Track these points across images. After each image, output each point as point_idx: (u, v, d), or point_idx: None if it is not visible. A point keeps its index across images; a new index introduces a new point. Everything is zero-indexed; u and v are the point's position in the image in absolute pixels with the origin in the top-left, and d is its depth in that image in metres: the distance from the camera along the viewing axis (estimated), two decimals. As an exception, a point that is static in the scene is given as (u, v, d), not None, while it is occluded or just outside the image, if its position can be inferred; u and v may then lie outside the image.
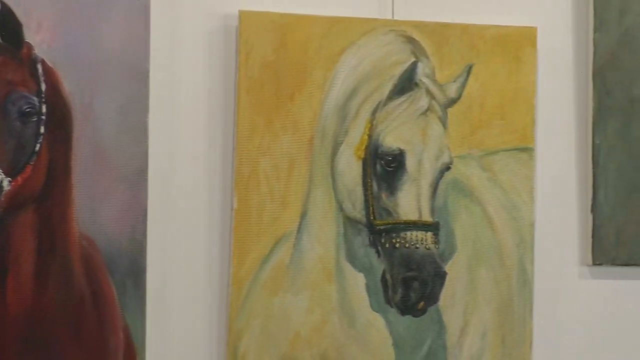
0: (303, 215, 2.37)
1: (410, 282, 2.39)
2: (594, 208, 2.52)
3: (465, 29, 2.47)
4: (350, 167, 2.40)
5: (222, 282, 2.34)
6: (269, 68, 2.36)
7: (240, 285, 2.33)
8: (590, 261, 2.52)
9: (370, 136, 2.41)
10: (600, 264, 2.52)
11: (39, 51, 2.19)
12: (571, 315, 2.54)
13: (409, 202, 2.41)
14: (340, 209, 2.40)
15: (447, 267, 2.43)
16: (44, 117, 2.17)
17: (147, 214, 2.26)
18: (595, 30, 2.53)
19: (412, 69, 2.42)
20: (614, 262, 2.52)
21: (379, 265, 2.41)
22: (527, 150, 2.49)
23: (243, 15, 2.35)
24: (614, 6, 2.53)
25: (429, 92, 2.44)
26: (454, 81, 2.46)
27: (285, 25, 2.36)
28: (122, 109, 2.25)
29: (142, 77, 2.26)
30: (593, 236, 2.51)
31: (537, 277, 2.49)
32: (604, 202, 2.51)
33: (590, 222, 2.52)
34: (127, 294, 2.24)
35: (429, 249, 2.40)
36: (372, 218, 2.40)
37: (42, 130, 2.17)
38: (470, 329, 2.45)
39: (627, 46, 2.54)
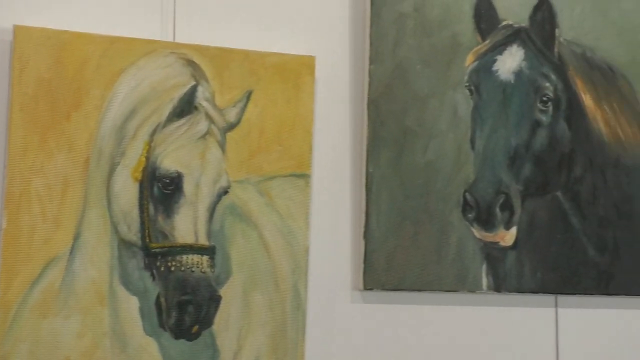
0: (76, 237, 2.21)
1: (185, 305, 2.27)
2: (366, 234, 2.45)
3: (246, 55, 2.36)
4: (126, 189, 2.25)
5: (-10, 305, 2.14)
6: (44, 85, 2.19)
7: (7, 309, 2.14)
8: (361, 286, 2.46)
9: (148, 158, 2.27)
10: (371, 289, 2.46)
11: None
12: (343, 338, 2.47)
13: (186, 225, 2.28)
14: (116, 231, 2.25)
15: (222, 291, 2.32)
16: None
17: None
18: (371, 61, 2.48)
19: (192, 92, 2.30)
20: (384, 287, 2.47)
21: (154, 289, 2.26)
22: (303, 176, 2.41)
23: (18, 30, 2.18)
24: (389, 38, 2.49)
25: (208, 116, 2.32)
26: (234, 106, 2.35)
27: (62, 43, 2.21)
28: None
29: None
30: (365, 261, 2.45)
31: (311, 302, 2.41)
32: (376, 228, 2.46)
33: (363, 247, 2.45)
34: None
35: (204, 272, 2.28)
36: (147, 241, 2.26)
37: None
38: (243, 352, 2.34)
39: (400, 78, 2.50)
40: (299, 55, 2.42)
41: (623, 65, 2.66)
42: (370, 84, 2.48)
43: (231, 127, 2.35)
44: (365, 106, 2.48)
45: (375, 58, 2.48)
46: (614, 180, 2.64)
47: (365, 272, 2.45)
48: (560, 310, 2.62)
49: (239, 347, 2.34)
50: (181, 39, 2.34)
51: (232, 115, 2.35)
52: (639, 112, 2.67)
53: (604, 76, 2.65)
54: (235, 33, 2.40)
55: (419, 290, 2.50)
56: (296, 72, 2.41)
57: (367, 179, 2.47)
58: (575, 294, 2.62)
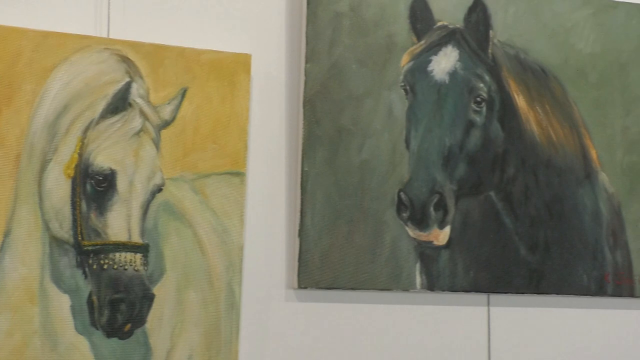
0: (6, 234, 2.15)
1: (118, 304, 2.22)
2: (301, 233, 2.42)
3: (181, 52, 2.32)
4: (58, 186, 2.20)
5: None
6: (-26, 80, 2.13)
7: None
8: (296, 284, 2.43)
9: (80, 155, 2.21)
10: (305, 287, 2.43)
11: None
12: (277, 337, 2.43)
13: (119, 223, 2.23)
14: (47, 228, 2.19)
15: (156, 289, 2.27)
16: None
17: None
18: (307, 60, 2.44)
19: (126, 88, 2.25)
20: (318, 286, 2.44)
21: (86, 287, 2.21)
22: (238, 174, 2.37)
23: (-52, 24, 2.12)
24: (325, 38, 2.46)
25: (142, 113, 2.27)
26: (168, 103, 2.31)
27: (-7, 36, 2.15)
28: None
29: None
30: (299, 260, 2.42)
31: (245, 300, 2.37)
32: (310, 227, 2.43)
33: (297, 246, 2.42)
34: None
35: (137, 270, 2.23)
36: (80, 238, 2.20)
37: None
38: (177, 351, 2.29)
39: (336, 77, 2.47)
40: (235, 53, 2.38)
41: (555, 66, 2.66)
42: (306, 83, 2.44)
43: (166, 124, 2.30)
44: (300, 105, 2.45)
45: (311, 57, 2.45)
46: (546, 181, 2.64)
47: (299, 271, 2.42)
48: (492, 308, 2.61)
49: (172, 346, 2.29)
50: (115, 34, 2.29)
51: (166, 113, 2.30)
52: (570, 113, 2.67)
53: (537, 77, 2.64)
54: (170, 30, 2.36)
55: (353, 288, 2.47)
56: (232, 69, 2.37)
57: (302, 177, 2.43)
58: (507, 292, 2.61)
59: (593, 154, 2.69)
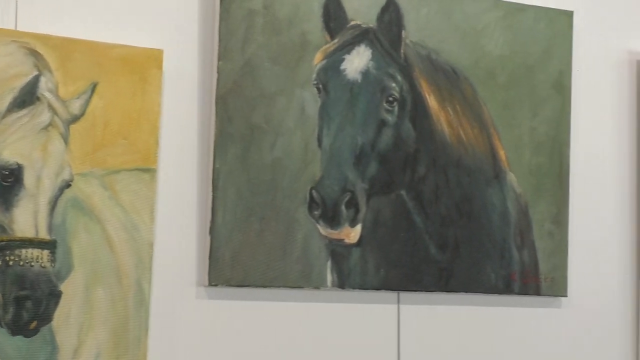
0: None
1: (23, 301, 2.15)
2: (212, 230, 2.37)
3: (91, 46, 2.25)
4: (-35, 181, 2.12)
5: None
6: None
7: None
8: (206, 282, 2.38)
9: (-13, 149, 2.13)
10: (216, 285, 2.38)
11: None
12: (187, 335, 2.38)
13: (26, 219, 2.16)
14: (-49, 224, 2.11)
15: (63, 286, 2.20)
16: None
17: None
18: (220, 57, 2.40)
19: (34, 82, 2.18)
20: (229, 283, 2.39)
21: (-9, 284, 2.13)
22: (149, 171, 2.31)
23: None
24: (238, 35, 2.41)
25: (51, 107, 2.20)
26: (78, 98, 2.24)
27: None
28: None
29: None
30: (210, 257, 2.37)
31: (155, 298, 2.32)
32: (221, 224, 2.38)
33: (208, 243, 2.37)
34: None
35: (44, 267, 2.16)
36: (-16, 234, 2.12)
37: None
38: (84, 349, 2.22)
39: (249, 75, 2.43)
40: (147, 48, 2.32)
41: (466, 67, 2.65)
42: (218, 80, 2.40)
43: (75, 119, 2.24)
44: (213, 102, 2.40)
45: (224, 54, 2.40)
46: (456, 180, 2.63)
47: (210, 268, 2.37)
48: (402, 306, 2.60)
49: (79, 344, 2.22)
50: (23, 27, 2.21)
51: (75, 107, 2.23)
52: (480, 114, 2.66)
53: (448, 78, 2.63)
54: (80, 23, 2.29)
55: (264, 286, 2.43)
56: (143, 65, 2.30)
57: (213, 174, 2.38)
58: (416, 290, 2.59)
59: (502, 154, 2.69)
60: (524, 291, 2.70)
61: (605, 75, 2.87)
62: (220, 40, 2.39)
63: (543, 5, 2.75)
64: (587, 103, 2.83)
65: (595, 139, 2.85)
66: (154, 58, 2.31)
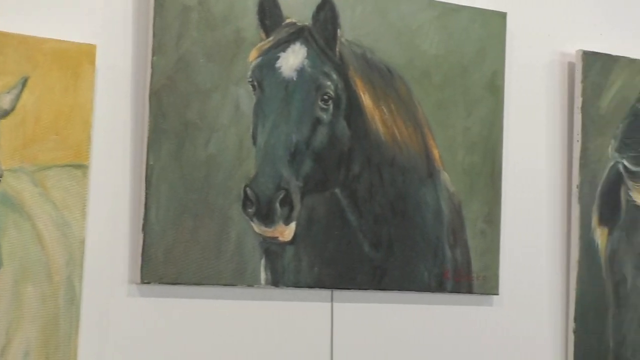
0: None
1: (-50, 298, 2.08)
2: (145, 227, 2.33)
3: (22, 39, 2.20)
4: None
5: None
6: None
7: None
8: (139, 279, 2.33)
9: None
10: (148, 282, 2.33)
11: None
12: (118, 333, 2.33)
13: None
14: None
15: (-8, 284, 2.14)
16: None
17: None
18: (154, 53, 2.35)
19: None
20: (162, 281, 2.35)
21: None
22: (81, 167, 2.26)
23: None
24: (173, 31, 2.37)
25: (-19, 102, 2.14)
26: (8, 92, 2.18)
27: None
28: None
29: None
30: (143, 254, 2.33)
31: (86, 295, 2.27)
32: (155, 221, 2.34)
33: (141, 240, 2.32)
34: None
35: (-26, 264, 2.10)
36: None
37: None
38: (12, 347, 2.17)
39: (183, 71, 2.39)
40: (80, 43, 2.27)
41: (400, 67, 2.63)
42: (152, 76, 2.35)
43: (5, 114, 2.18)
44: (146, 98, 2.35)
45: (158, 49, 2.35)
46: (390, 179, 2.61)
47: (142, 266, 2.32)
48: (335, 304, 2.57)
49: (7, 341, 2.16)
50: (-48, 19, 2.16)
51: (5, 102, 2.18)
52: (414, 113, 2.65)
53: (383, 77, 2.61)
54: (12, 16, 2.22)
55: (197, 284, 2.39)
56: (76, 60, 2.25)
57: (147, 171, 2.34)
58: (350, 289, 2.57)
59: (436, 153, 2.68)
60: (457, 289, 2.69)
61: (537, 76, 2.88)
62: (154, 36, 2.35)
63: (478, 7, 2.74)
64: (520, 104, 2.84)
65: (527, 139, 2.85)
66: (86, 53, 2.26)
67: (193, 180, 2.39)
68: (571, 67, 2.90)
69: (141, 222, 2.33)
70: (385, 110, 2.61)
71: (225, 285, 2.42)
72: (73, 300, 2.23)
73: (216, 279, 2.41)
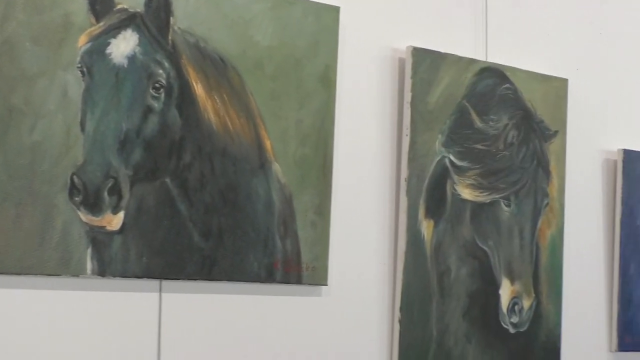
0: None
1: None
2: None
3: None
4: None
5: None
6: None
7: None
8: (-43, 269, 2.19)
9: None
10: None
11: None
12: None
13: None
14: None
15: None
16: None
17: None
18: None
19: None
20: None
21: None
22: None
23: None
24: (-3, 12, 2.23)
25: None
26: None
27: None
28: None
29: None
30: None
31: None
32: (-25, 209, 2.20)
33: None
34: None
35: None
36: None
37: None
38: None
39: (8, 54, 2.26)
40: None
41: (233, 57, 2.56)
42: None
43: None
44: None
45: (-19, 31, 2.22)
46: (221, 169, 2.55)
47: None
48: (164, 295, 2.49)
49: None
50: None
51: None
52: (247, 103, 2.59)
53: (216, 67, 2.54)
54: None
55: (19, 274, 2.27)
56: None
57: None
58: (179, 279, 2.49)
59: (268, 144, 2.63)
60: (286, 280, 2.65)
61: (369, 70, 2.87)
62: (-20, 17, 2.22)
63: (311, 0, 2.70)
64: (351, 97, 2.82)
65: (358, 132, 2.84)
66: None
67: (16, 167, 2.26)
68: (402, 62, 2.90)
69: (-40, 209, 2.20)
70: (217, 100, 2.54)
71: (49, 275, 2.31)
72: None
73: (40, 269, 2.29)
